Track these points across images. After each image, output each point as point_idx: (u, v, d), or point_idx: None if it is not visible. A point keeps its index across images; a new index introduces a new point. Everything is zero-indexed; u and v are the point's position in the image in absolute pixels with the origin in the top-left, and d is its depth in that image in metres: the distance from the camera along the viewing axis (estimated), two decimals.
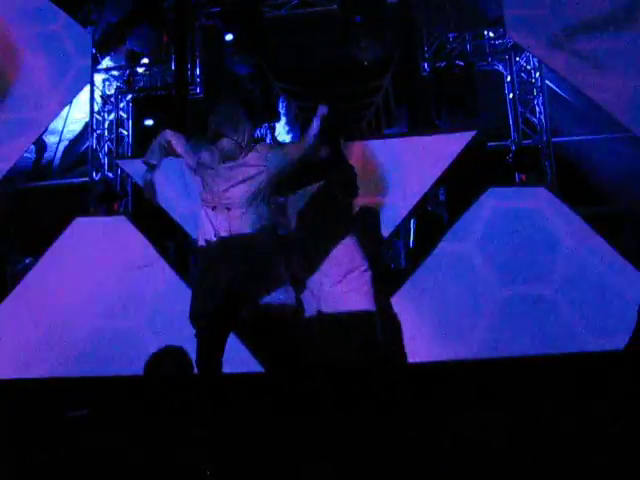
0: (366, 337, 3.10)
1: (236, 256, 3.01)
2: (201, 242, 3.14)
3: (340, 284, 3.18)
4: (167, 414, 4.17)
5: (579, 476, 2.76)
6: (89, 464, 3.30)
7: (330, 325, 3.09)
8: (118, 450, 3.56)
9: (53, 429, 4.27)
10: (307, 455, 2.94)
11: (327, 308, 3.14)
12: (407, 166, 6.37)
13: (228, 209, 3.07)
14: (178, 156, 3.45)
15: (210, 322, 3.01)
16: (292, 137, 7.79)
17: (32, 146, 8.03)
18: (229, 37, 7.65)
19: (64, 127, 8.49)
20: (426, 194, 6.60)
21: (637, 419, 3.55)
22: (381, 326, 3.17)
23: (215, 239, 3.07)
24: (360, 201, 5.91)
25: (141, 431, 3.98)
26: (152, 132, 7.54)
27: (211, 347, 3.03)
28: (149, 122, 7.79)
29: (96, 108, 8.01)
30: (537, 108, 7.21)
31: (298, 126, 7.76)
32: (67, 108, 8.07)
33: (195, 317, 3.07)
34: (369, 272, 3.23)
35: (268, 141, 7.25)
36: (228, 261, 3.02)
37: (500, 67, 7.58)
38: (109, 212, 7.48)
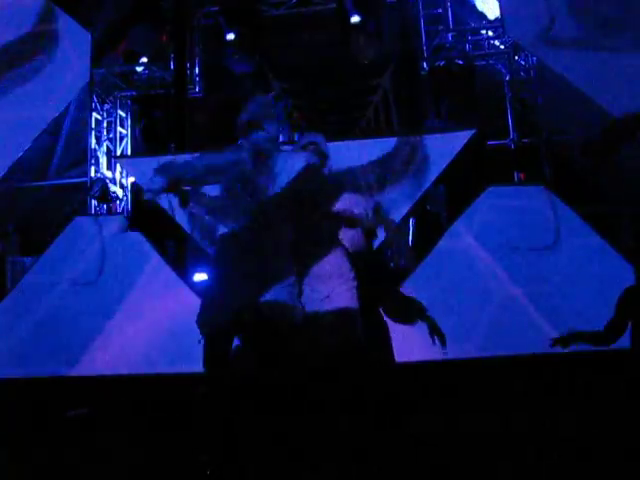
0: (344, 337, 3.08)
1: (256, 263, 2.93)
2: (223, 255, 3.03)
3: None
4: (172, 415, 4.20)
5: (579, 474, 2.78)
6: (88, 464, 3.31)
7: (308, 325, 3.07)
8: (118, 450, 3.58)
9: (52, 429, 4.29)
10: (303, 455, 2.95)
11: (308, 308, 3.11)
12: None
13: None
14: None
15: (219, 330, 2.95)
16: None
17: (32, 145, 8.02)
18: (230, 36, 7.63)
19: (63, 126, 8.48)
20: (425, 193, 6.60)
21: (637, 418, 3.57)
22: (363, 328, 3.15)
23: (240, 253, 2.96)
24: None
25: (141, 431, 4.00)
26: (151, 132, 7.57)
27: (219, 350, 2.98)
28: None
29: (95, 107, 8.00)
30: (536, 107, 7.20)
31: (288, 125, 7.71)
32: (66, 107, 8.07)
33: (203, 324, 2.99)
34: (356, 282, 3.19)
35: None
36: (248, 272, 2.93)
37: (499, 66, 7.58)
38: (108, 212, 7.48)
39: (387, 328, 3.41)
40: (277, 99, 6.91)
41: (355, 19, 7.31)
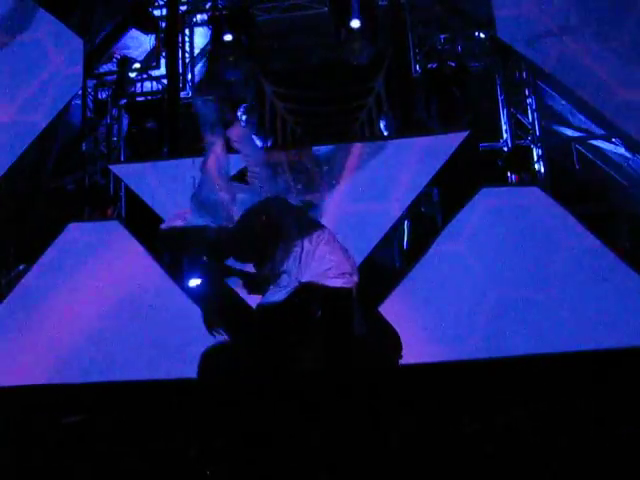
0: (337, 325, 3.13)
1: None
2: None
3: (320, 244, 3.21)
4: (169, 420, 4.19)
5: (578, 475, 2.77)
6: (87, 470, 3.30)
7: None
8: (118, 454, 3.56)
9: (49, 436, 4.26)
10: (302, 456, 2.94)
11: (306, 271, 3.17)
12: (400, 167, 6.39)
13: None
14: None
15: None
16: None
17: (25, 152, 8.00)
18: (228, 37, 7.61)
19: (57, 132, 8.46)
20: (419, 195, 6.61)
21: (634, 418, 3.56)
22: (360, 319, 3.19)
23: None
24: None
25: (138, 436, 3.98)
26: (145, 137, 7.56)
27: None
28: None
29: (89, 113, 7.98)
30: (529, 108, 7.21)
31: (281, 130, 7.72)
32: (60, 113, 8.05)
33: None
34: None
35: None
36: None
37: (491, 67, 7.58)
38: (103, 217, 7.44)
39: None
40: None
41: (355, 23, 7.26)
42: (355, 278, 3.21)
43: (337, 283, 3.14)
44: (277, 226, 3.24)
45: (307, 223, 3.33)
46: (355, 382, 3.13)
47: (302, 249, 3.18)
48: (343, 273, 3.17)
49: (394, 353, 3.54)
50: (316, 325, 3.14)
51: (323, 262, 3.17)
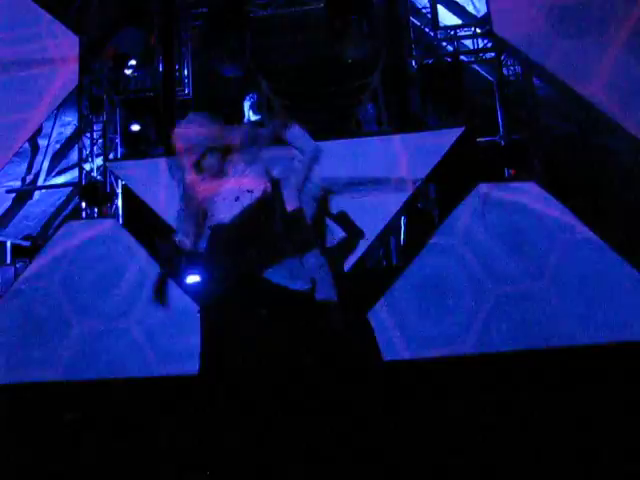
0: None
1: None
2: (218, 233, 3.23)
3: None
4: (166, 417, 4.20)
5: (576, 472, 2.78)
6: (84, 468, 3.30)
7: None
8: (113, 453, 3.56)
9: (49, 436, 4.27)
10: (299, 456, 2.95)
11: None
12: (397, 163, 6.39)
13: None
14: None
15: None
16: None
17: (21, 149, 7.99)
18: (223, 34, 7.59)
19: (53, 130, 8.46)
20: (416, 190, 6.61)
21: (629, 411, 3.57)
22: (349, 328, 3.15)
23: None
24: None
25: (136, 434, 3.99)
26: (140, 135, 7.53)
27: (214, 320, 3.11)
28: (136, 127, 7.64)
29: (85, 111, 7.96)
30: (525, 103, 7.21)
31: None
32: (56, 111, 8.05)
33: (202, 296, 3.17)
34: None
35: None
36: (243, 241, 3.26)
37: (488, 63, 7.58)
38: (100, 215, 7.44)
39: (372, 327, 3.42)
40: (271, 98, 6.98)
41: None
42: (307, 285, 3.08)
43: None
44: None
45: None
46: (337, 379, 3.12)
47: None
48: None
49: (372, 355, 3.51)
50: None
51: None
